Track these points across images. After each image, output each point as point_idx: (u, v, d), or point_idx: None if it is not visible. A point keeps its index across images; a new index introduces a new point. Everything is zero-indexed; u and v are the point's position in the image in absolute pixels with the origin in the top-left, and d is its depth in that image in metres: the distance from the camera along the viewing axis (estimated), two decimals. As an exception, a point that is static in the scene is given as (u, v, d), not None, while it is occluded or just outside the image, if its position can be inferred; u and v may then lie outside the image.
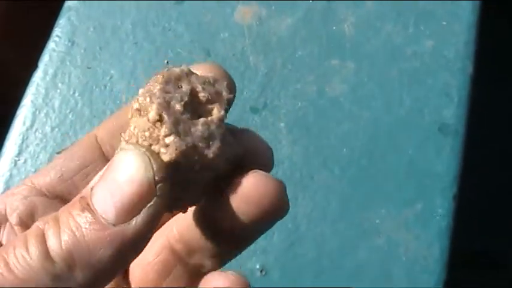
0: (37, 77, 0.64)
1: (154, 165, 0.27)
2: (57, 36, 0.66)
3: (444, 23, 0.63)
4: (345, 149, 0.60)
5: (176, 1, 0.66)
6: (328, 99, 0.62)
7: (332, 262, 0.57)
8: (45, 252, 0.26)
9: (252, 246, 0.57)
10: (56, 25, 0.67)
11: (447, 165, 0.59)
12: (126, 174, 0.27)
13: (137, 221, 0.27)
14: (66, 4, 0.68)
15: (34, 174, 0.35)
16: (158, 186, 0.27)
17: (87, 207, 0.27)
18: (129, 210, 0.27)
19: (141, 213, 0.27)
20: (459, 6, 0.64)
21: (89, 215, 0.27)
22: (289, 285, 0.56)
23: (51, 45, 0.66)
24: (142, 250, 0.28)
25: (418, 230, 0.57)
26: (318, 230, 0.58)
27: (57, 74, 0.64)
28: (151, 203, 0.27)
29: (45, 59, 0.65)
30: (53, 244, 0.27)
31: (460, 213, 0.58)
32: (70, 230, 0.27)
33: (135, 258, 0.29)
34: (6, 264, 0.26)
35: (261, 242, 0.57)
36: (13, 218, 0.32)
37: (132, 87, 0.63)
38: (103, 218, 0.27)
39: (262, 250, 0.57)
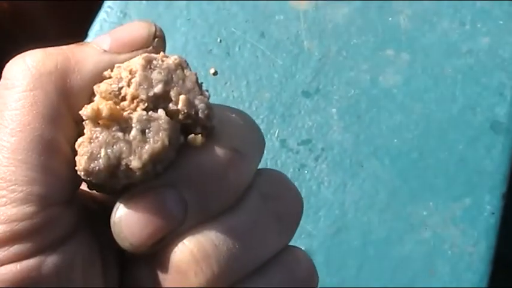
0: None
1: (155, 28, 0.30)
2: (109, 7, 0.65)
3: (501, 22, 0.63)
4: (395, 140, 0.59)
5: (232, -19, 0.66)
6: (381, 89, 0.61)
7: (377, 251, 0.56)
8: None
9: (297, 230, 0.57)
10: (108, -4, 0.66)
11: (498, 163, 0.59)
12: (131, 24, 0.30)
13: (126, 55, 0.29)
14: (119, -24, 0.67)
15: None
16: (156, 39, 0.30)
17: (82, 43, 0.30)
18: (123, 45, 0.29)
19: (133, 53, 0.29)
20: (516, 7, 0.64)
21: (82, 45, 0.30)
22: (332, 271, 0.56)
23: (102, 15, 0.65)
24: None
25: (465, 225, 0.57)
26: (364, 218, 0.57)
27: (108, 44, 0.63)
28: (147, 48, 0.29)
29: (95, 29, 0.64)
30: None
31: (507, 216, 0.58)
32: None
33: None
34: None
35: (306, 226, 0.57)
36: None
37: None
38: (96, 45, 0.30)
39: (307, 234, 0.57)
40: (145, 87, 0.27)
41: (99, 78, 0.29)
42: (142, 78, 0.27)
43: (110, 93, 0.27)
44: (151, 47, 0.29)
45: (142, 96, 0.27)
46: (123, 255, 0.30)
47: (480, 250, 0.56)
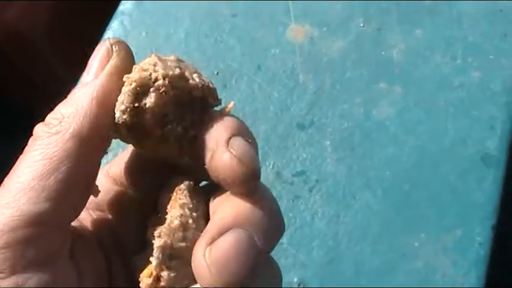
0: (85, 77, 0.65)
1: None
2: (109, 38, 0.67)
3: (491, 56, 0.65)
4: (388, 172, 0.61)
5: (230, 15, 0.68)
6: (374, 122, 0.63)
7: (370, 282, 0.57)
8: None
9: (291, 260, 0.58)
10: (108, 28, 0.68)
11: (488, 195, 0.60)
12: (94, 51, 0.34)
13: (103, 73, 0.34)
14: (120, 8, 0.69)
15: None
16: (113, 46, 0.34)
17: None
18: (99, 70, 0.34)
19: (106, 68, 0.34)
20: (506, 42, 0.66)
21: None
22: (326, 301, 0.57)
23: (102, 47, 0.67)
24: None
25: (456, 256, 0.58)
26: (357, 248, 0.58)
27: (108, 75, 0.65)
28: (113, 57, 0.34)
29: (96, 61, 0.66)
30: None
31: (497, 245, 0.59)
32: None
33: None
34: None
35: (300, 256, 0.58)
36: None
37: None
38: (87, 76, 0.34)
39: (301, 264, 0.58)
40: (170, 69, 0.33)
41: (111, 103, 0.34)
42: (164, 64, 0.33)
43: (143, 79, 0.32)
44: (114, 55, 0.34)
45: (171, 73, 0.33)
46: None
47: (470, 280, 0.57)
